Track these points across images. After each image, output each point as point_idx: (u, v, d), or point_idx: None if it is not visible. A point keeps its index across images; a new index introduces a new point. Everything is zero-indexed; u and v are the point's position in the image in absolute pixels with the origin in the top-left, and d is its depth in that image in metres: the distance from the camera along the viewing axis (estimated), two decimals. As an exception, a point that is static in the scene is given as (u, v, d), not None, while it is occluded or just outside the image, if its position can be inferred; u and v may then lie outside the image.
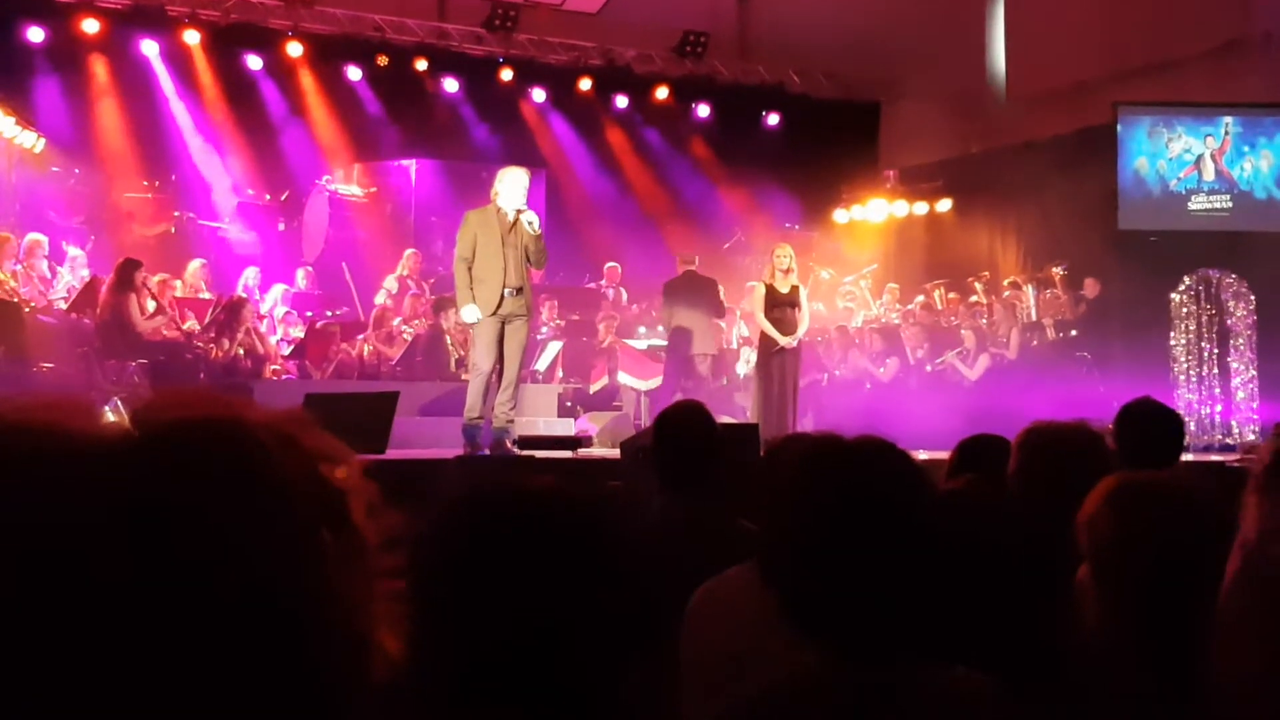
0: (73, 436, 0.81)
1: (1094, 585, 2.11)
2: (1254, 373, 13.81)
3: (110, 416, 0.89)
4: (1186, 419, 12.70)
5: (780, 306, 11.47)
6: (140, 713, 0.77)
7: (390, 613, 0.89)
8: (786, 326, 11.40)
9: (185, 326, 12.53)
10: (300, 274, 15.12)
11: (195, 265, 13.63)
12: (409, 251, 15.51)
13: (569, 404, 13.57)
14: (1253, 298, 13.81)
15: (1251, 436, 13.36)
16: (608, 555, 1.58)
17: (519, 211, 9.38)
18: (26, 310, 11.75)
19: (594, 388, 14.24)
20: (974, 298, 16.26)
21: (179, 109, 15.28)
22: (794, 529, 1.95)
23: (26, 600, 0.76)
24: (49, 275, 12.71)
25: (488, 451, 9.40)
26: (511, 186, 9.45)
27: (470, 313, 9.42)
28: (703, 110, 17.94)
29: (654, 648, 1.67)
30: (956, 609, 2.00)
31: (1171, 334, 13.95)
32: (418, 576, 1.48)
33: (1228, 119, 14.86)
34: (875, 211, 18.02)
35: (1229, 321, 13.86)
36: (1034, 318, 15.50)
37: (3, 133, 13.38)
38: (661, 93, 17.50)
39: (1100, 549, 2.10)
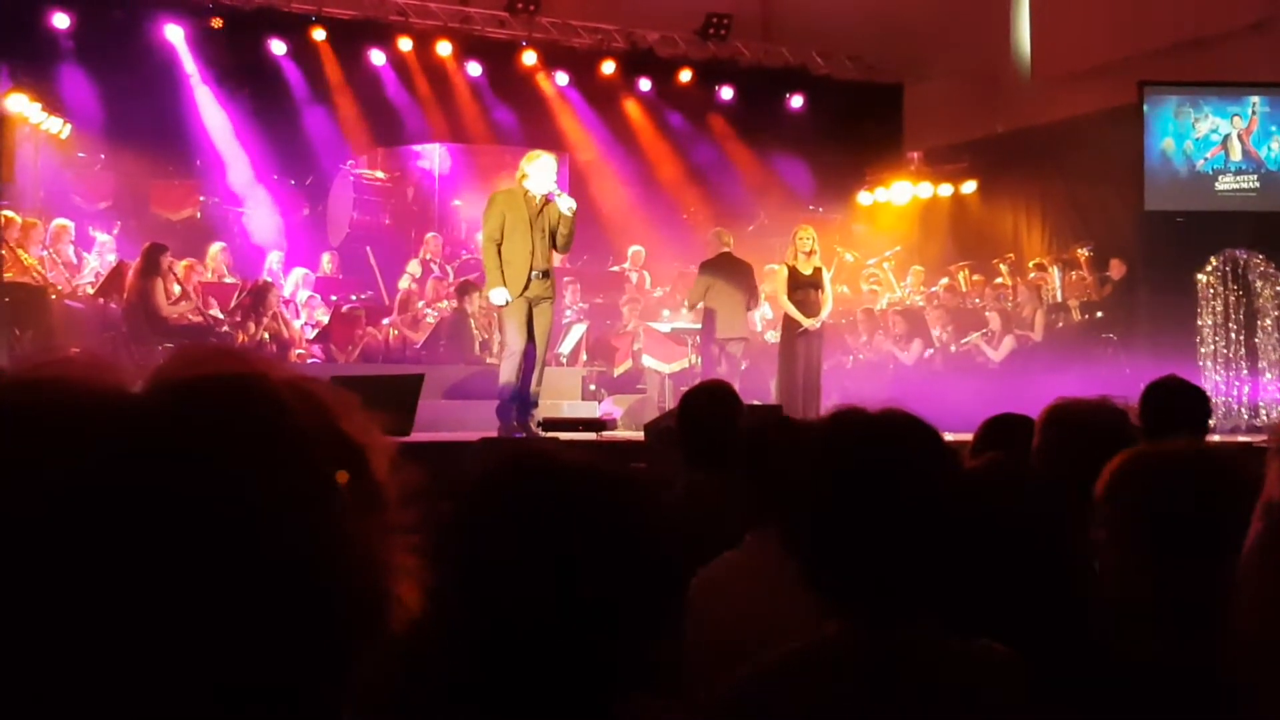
0: (91, 389, 0.82)
1: (1113, 553, 2.11)
2: (1281, 354, 13.74)
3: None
4: (1214, 400, 12.63)
5: (803, 288, 11.45)
6: (152, 658, 0.78)
7: (409, 566, 0.89)
8: (809, 308, 11.39)
9: (210, 311, 12.61)
10: (325, 258, 15.16)
11: (215, 249, 13.66)
12: (430, 235, 15.57)
13: (593, 387, 13.57)
14: (1280, 278, 13.73)
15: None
16: (636, 527, 1.59)
17: (548, 196, 9.39)
18: (53, 295, 11.83)
19: (618, 371, 14.24)
20: (999, 279, 16.19)
21: (203, 94, 15.29)
22: (817, 496, 1.95)
23: (44, 549, 0.77)
24: (75, 260, 12.79)
25: (521, 434, 9.43)
26: (541, 171, 9.46)
27: (499, 295, 9.44)
28: (726, 93, 17.86)
29: (676, 623, 1.68)
30: (977, 582, 2.00)
31: (1198, 315, 13.86)
32: (448, 540, 1.49)
33: (1255, 98, 14.75)
34: (899, 193, 17.94)
35: (1256, 302, 13.77)
36: (1059, 299, 15.44)
37: (29, 119, 13.45)
38: (684, 75, 17.43)
39: (1118, 515, 2.10)
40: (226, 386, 0.84)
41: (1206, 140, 14.78)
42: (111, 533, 0.77)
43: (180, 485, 0.79)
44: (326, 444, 0.85)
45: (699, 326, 12.89)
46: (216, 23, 14.90)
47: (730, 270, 12.48)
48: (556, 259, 10.20)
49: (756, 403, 10.96)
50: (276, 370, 0.87)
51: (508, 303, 9.42)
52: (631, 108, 17.66)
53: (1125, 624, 2.08)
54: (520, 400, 9.53)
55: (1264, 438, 10.55)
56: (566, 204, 9.39)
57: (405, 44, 15.92)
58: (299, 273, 14.32)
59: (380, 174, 17.01)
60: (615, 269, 16.35)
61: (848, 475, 1.93)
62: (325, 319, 13.74)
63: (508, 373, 9.51)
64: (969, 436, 4.16)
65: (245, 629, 0.80)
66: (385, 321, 13.97)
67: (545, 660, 1.52)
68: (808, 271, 11.48)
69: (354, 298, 14.62)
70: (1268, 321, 13.78)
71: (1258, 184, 14.72)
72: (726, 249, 12.60)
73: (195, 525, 0.79)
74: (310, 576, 0.82)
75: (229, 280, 13.46)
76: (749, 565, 3.10)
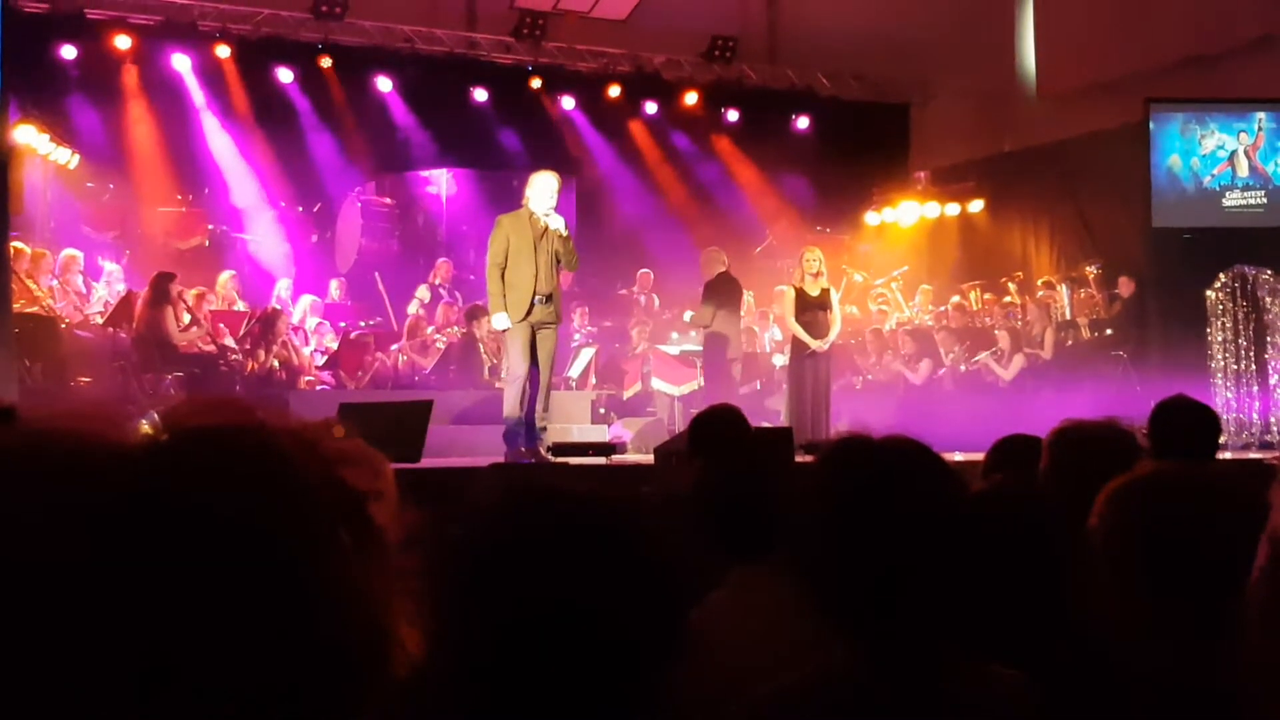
0: (100, 443, 0.83)
1: (1111, 573, 2.11)
2: (1292, 369, 13.71)
3: (146, 429, 0.91)
4: (1224, 417, 12.60)
5: (811, 310, 11.44)
6: (161, 700, 0.78)
7: (410, 610, 0.90)
8: (818, 330, 11.38)
9: (221, 340, 12.63)
10: (334, 285, 15.21)
11: (225, 277, 13.71)
12: (440, 260, 15.60)
13: (602, 410, 13.57)
14: (1289, 293, 13.71)
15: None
16: (644, 557, 1.59)
17: (546, 215, 9.43)
18: (63, 325, 11.86)
19: (627, 394, 14.24)
20: (1008, 298, 16.19)
21: (211, 122, 15.35)
22: (823, 523, 1.96)
23: (51, 597, 0.77)
24: (84, 290, 12.83)
25: (530, 459, 9.43)
26: (539, 191, 9.51)
27: (501, 320, 9.48)
28: (732, 115, 17.89)
29: (684, 650, 1.67)
30: (983, 603, 2.00)
31: (1208, 331, 13.84)
32: (451, 575, 1.49)
33: (1261, 115, 14.74)
34: (907, 213, 17.94)
35: (1266, 318, 13.75)
36: (1069, 317, 15.43)
37: (38, 149, 13.50)
38: (691, 98, 17.46)
39: (1116, 535, 2.10)
40: (228, 439, 0.84)
41: (1213, 157, 14.77)
42: (110, 588, 0.78)
43: (181, 538, 0.80)
44: (326, 492, 0.86)
45: (701, 348, 12.90)
46: (224, 51, 14.95)
47: (732, 290, 12.51)
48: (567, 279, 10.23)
49: (766, 425, 10.96)
50: (278, 420, 0.88)
51: (510, 327, 9.45)
52: (638, 130, 17.68)
53: (1125, 643, 2.08)
54: (526, 426, 9.53)
55: (1275, 455, 10.51)
56: (555, 223, 9.44)
57: (412, 70, 15.96)
58: (308, 299, 14.35)
59: (388, 200, 17.06)
60: (623, 292, 16.37)
61: (852, 501, 1.93)
62: (334, 345, 13.76)
63: (511, 399, 9.52)
64: (980, 456, 4.17)
65: (249, 675, 0.80)
66: (394, 347, 13.98)
67: (552, 691, 1.52)
68: (815, 293, 11.47)
69: (363, 324, 14.64)
70: (1277, 336, 13.75)
71: (1265, 200, 14.70)
72: (724, 268, 12.62)
73: (196, 575, 0.79)
74: (312, 622, 0.82)
75: (239, 308, 13.49)
76: (734, 605, 2.95)
